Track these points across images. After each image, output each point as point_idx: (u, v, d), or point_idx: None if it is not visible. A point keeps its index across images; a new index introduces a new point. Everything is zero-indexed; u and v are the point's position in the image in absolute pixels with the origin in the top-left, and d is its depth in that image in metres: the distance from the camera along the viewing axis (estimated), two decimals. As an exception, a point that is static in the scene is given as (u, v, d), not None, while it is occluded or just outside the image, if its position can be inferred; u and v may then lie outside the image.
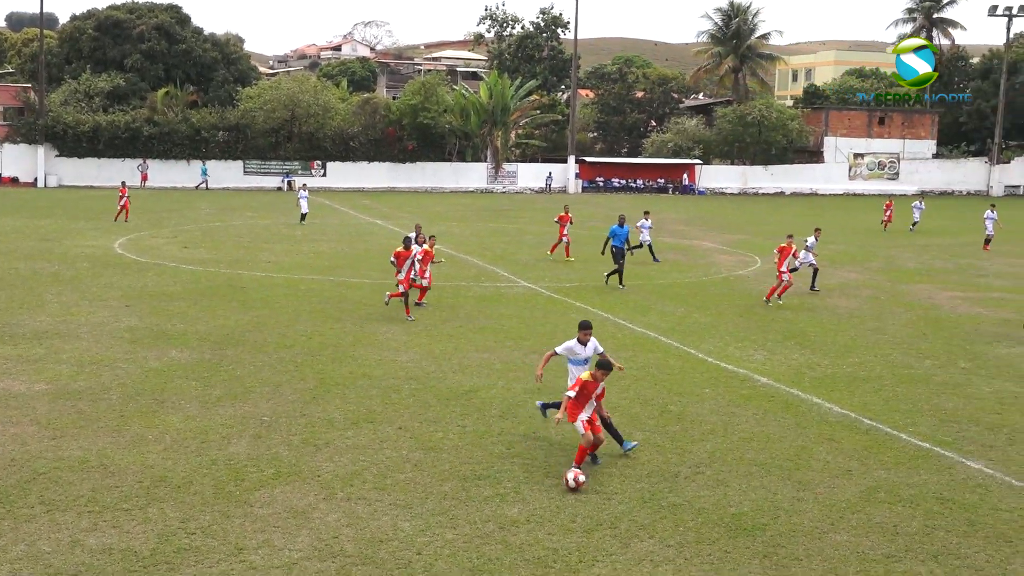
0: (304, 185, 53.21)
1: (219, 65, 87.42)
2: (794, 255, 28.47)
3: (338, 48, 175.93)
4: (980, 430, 16.17)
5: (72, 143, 75.67)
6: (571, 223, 38.25)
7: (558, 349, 14.84)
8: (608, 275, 30.67)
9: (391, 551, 10.92)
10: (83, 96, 79.56)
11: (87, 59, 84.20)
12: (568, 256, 37.24)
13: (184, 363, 19.30)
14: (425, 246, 25.81)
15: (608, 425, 14.23)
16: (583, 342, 14.68)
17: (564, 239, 37.81)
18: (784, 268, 27.98)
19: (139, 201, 59.58)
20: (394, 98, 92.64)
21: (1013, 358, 21.87)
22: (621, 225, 31.02)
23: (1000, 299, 30.16)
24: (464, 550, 11.00)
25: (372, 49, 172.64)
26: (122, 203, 47.38)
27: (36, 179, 74.76)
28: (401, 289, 24.47)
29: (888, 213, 54.21)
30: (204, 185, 76.20)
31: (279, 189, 77.21)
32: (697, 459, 14.28)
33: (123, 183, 50.70)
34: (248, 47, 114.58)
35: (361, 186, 79.75)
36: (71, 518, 11.56)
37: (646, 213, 38.45)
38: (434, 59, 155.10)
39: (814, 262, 30.66)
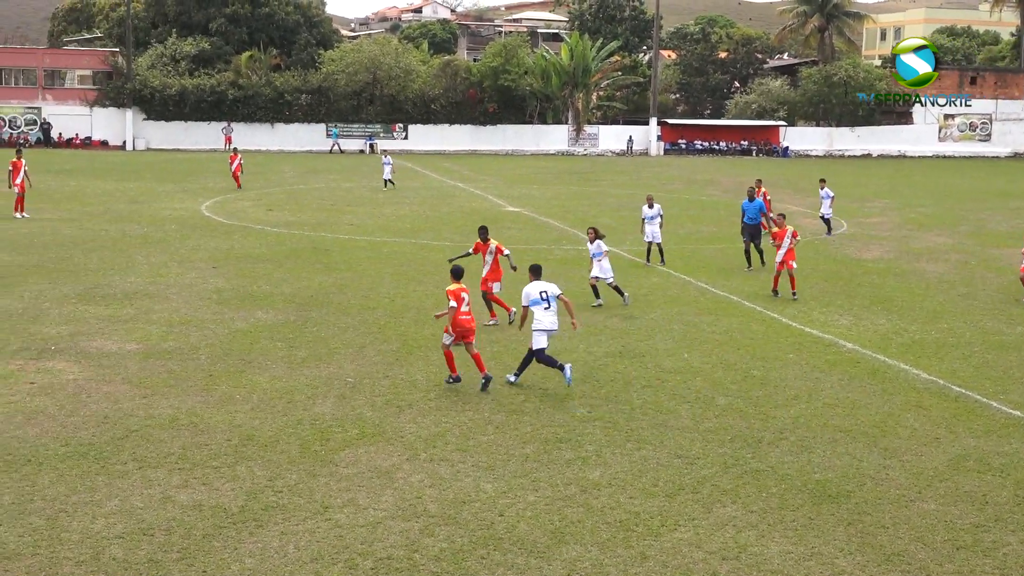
0: (384, 151, 53.69)
1: (301, 28, 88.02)
2: None
3: (419, 10, 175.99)
4: (1074, 399, 15.77)
5: (159, 106, 76.99)
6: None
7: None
8: (756, 257, 27.46)
9: (474, 512, 11.02)
10: (169, 60, 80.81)
11: (173, 23, 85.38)
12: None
13: (270, 324, 19.60)
14: (774, 228, 23.99)
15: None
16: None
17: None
18: None
19: (211, 164, 60.49)
20: (475, 60, 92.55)
21: (1109, 325, 21.27)
22: (751, 199, 27.39)
23: (1096, 264, 29.34)
24: (546, 512, 11.05)
25: (452, 11, 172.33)
26: (234, 168, 47.55)
27: (125, 142, 76.27)
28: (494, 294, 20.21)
29: None
30: (336, 147, 77.07)
31: (361, 152, 77.77)
32: (781, 424, 14.15)
33: (234, 149, 51.48)
34: (329, 10, 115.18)
35: (442, 149, 79.96)
36: (163, 475, 11.84)
37: (822, 181, 35.39)
38: (515, 20, 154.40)
39: None
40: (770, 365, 17.35)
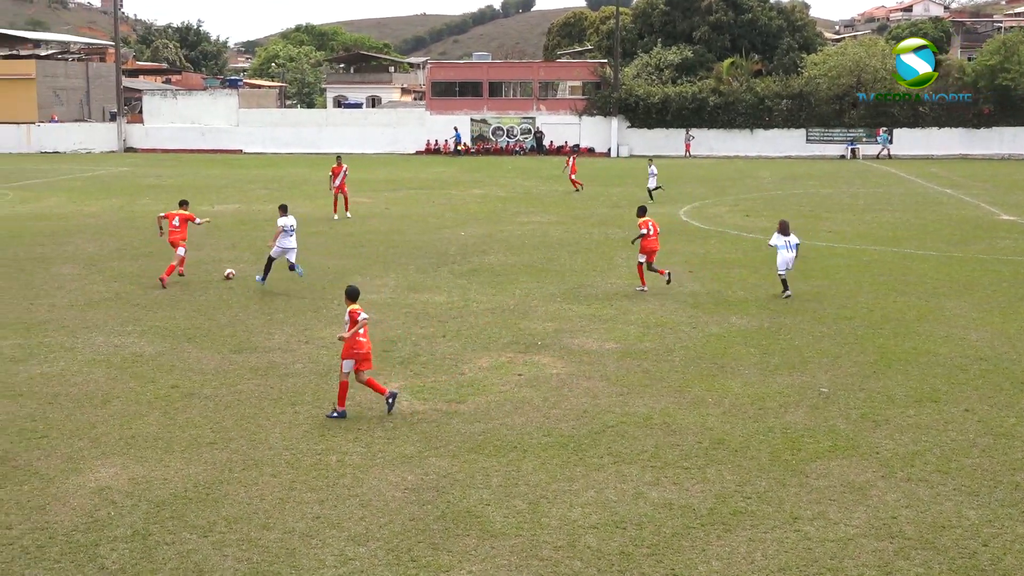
0: (651, 159, 51.37)
1: (784, 33, 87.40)
2: None
3: (908, 9, 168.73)
4: None
5: (643, 114, 79.45)
6: None
7: None
8: None
9: (954, 539, 10.36)
10: (653, 69, 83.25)
11: (658, 33, 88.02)
12: None
13: (743, 330, 19.61)
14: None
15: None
16: None
17: None
18: None
19: (690, 170, 61.55)
20: (969, 59, 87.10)
21: None
22: None
23: None
24: (1038, 547, 10.16)
25: (946, 8, 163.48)
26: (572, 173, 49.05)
27: (609, 149, 79.55)
28: None
29: None
30: (885, 152, 75.85)
31: (842, 157, 75.77)
32: None
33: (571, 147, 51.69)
34: (813, 12, 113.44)
35: (929, 153, 75.99)
36: (636, 471, 12.21)
37: None
38: (1016, 15, 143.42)
39: None
40: None
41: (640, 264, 23.52)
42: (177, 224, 24.55)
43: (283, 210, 23.79)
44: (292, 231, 23.48)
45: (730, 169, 63.86)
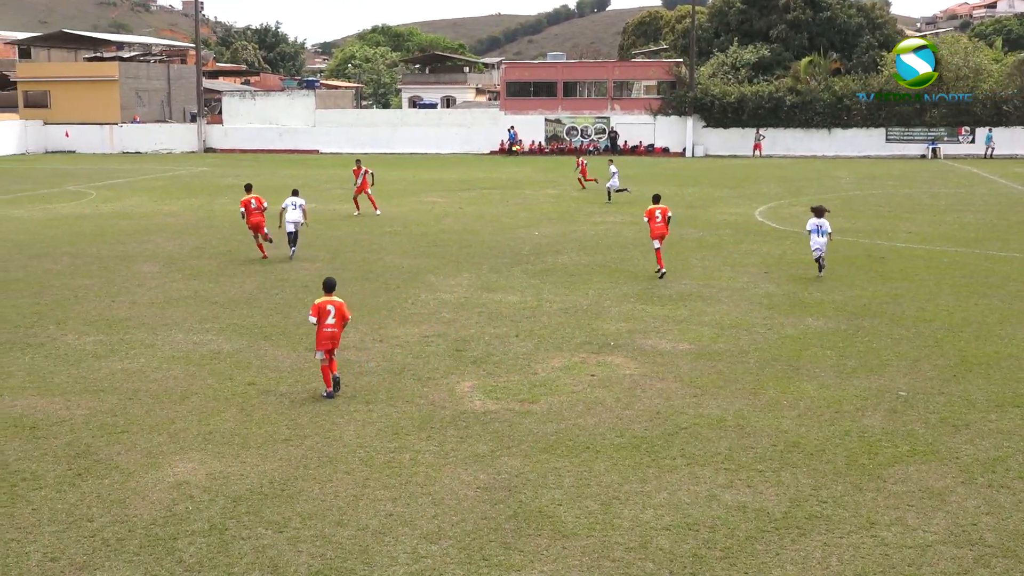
0: (611, 159, 51.05)
1: (864, 31, 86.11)
2: None
3: (992, 5, 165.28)
4: None
5: (718, 114, 78.76)
6: None
7: None
8: None
9: (1037, 547, 10.14)
10: (729, 68, 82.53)
11: (734, 32, 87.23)
12: None
13: (820, 331, 19.36)
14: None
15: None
16: None
17: None
18: None
19: (766, 170, 60.91)
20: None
21: None
22: None
23: None
24: (1124, 557, 9.88)
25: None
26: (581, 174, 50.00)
27: (684, 149, 79.02)
28: None
29: None
30: (989, 152, 74.12)
31: (923, 157, 74.47)
32: None
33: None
34: (894, 10, 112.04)
35: (1014, 153, 74.35)
36: (709, 473, 12.11)
37: None
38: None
39: None
40: None
41: (658, 249, 25.25)
42: (255, 206, 27.61)
43: (295, 193, 28.42)
44: (294, 207, 27.61)
45: (807, 169, 63.11)
